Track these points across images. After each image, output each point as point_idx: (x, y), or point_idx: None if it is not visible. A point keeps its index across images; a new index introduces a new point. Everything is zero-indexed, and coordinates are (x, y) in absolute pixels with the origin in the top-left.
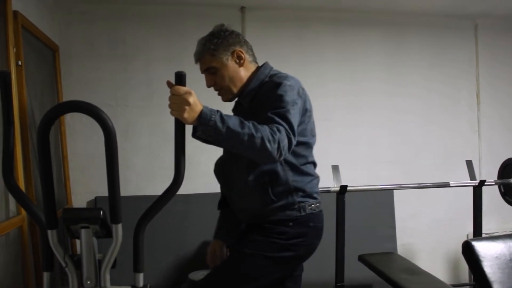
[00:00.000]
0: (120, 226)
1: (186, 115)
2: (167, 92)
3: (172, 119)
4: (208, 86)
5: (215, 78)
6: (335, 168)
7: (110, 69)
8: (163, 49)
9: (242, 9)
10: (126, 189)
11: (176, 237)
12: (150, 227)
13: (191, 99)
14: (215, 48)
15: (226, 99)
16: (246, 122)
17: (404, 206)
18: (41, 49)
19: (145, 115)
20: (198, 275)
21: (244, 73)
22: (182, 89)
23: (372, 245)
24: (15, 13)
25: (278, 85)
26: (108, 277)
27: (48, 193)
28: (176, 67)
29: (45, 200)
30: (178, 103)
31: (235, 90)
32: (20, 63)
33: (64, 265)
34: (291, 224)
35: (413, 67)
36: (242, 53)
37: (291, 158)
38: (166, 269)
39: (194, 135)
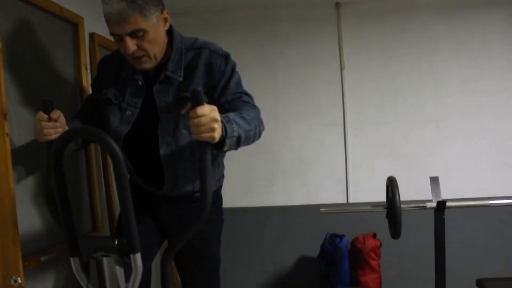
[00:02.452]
0: (138, 255)
1: (216, 134)
2: (261, 99)
3: (270, 127)
4: (129, 51)
5: (141, 43)
6: (434, 180)
7: None
8: (255, 56)
9: (337, 5)
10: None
11: (272, 251)
12: (244, 239)
13: (218, 115)
14: (146, 6)
15: (145, 67)
16: (244, 116)
17: None
18: None
19: None
20: None
21: (165, 38)
22: (207, 107)
23: (494, 268)
24: (92, 35)
25: (226, 59)
26: None
27: (67, 220)
28: (269, 73)
29: (65, 227)
30: (207, 124)
31: (159, 58)
32: None
33: None
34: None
35: None
36: (168, 14)
37: None
38: (261, 284)
39: (220, 150)
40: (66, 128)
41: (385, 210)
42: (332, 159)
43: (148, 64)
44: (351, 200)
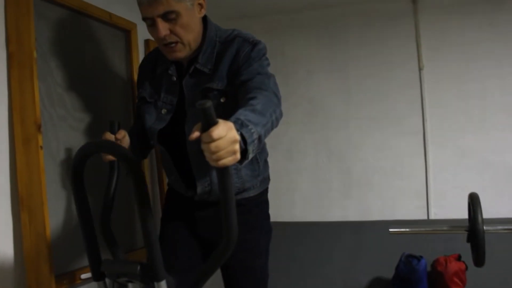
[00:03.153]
0: (163, 283)
1: (238, 154)
2: (331, 105)
3: (341, 136)
4: (161, 35)
5: (174, 27)
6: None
7: None
8: (324, 58)
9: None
10: (292, 213)
11: (343, 270)
12: (314, 256)
13: (236, 133)
14: None
15: (178, 56)
16: (256, 107)
17: None
18: None
19: (309, 133)
20: None
21: (200, 26)
22: (222, 127)
23: None
24: (147, 41)
25: (254, 45)
26: None
27: (89, 242)
28: (339, 77)
29: (87, 249)
30: (226, 147)
31: (193, 46)
32: None
33: None
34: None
35: None
36: (205, 1)
37: None
38: None
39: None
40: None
41: (466, 232)
42: (411, 170)
43: (182, 53)
44: (432, 217)
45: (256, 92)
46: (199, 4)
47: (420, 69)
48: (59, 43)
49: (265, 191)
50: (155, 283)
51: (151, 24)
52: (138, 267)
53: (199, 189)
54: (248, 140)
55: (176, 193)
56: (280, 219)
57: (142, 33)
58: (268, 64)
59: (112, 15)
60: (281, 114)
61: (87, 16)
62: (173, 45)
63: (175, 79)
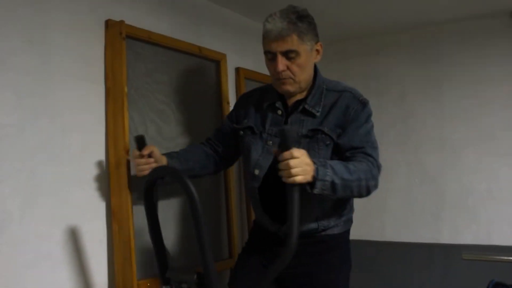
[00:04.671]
0: None
1: (309, 177)
2: (425, 125)
3: (435, 157)
4: (279, 70)
5: (291, 65)
6: None
7: None
8: (417, 79)
9: None
10: (383, 233)
11: None
12: (403, 278)
13: (309, 158)
14: (306, 31)
15: (287, 89)
16: (349, 165)
17: None
18: None
19: (402, 153)
20: None
21: (312, 70)
22: (299, 151)
23: None
24: (237, 69)
25: (364, 105)
26: None
27: (159, 252)
28: (434, 96)
29: (157, 258)
30: (298, 166)
31: (304, 86)
32: None
33: None
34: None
35: None
36: (321, 47)
37: None
38: None
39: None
40: (162, 161)
41: None
42: (509, 194)
43: (292, 87)
44: None
45: (361, 158)
46: (317, 50)
47: None
48: (152, 76)
49: (348, 232)
50: None
51: (271, 58)
52: (195, 276)
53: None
54: (320, 177)
55: (260, 228)
56: (370, 238)
57: (233, 61)
58: (372, 127)
59: (201, 48)
60: (375, 186)
61: (177, 51)
62: (285, 80)
63: (280, 113)
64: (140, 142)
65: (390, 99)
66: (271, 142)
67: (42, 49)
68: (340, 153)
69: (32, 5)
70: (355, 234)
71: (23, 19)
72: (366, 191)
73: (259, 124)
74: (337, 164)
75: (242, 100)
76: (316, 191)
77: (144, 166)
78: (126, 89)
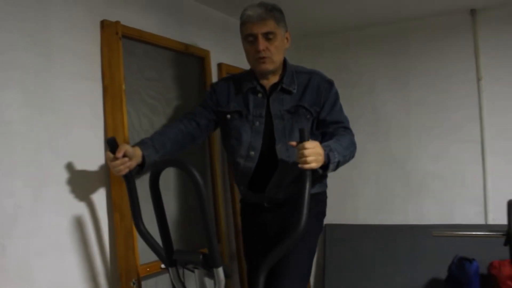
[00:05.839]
0: (220, 269)
1: (320, 163)
2: (392, 114)
3: (402, 144)
4: (260, 49)
5: (269, 45)
6: None
7: None
8: (386, 71)
9: (473, 11)
10: (355, 217)
11: (402, 270)
12: (375, 257)
13: (321, 148)
14: (280, 19)
15: (266, 68)
16: (341, 143)
17: None
18: None
19: (372, 141)
20: None
21: (284, 55)
22: (311, 142)
23: None
24: (219, 65)
25: (331, 85)
26: None
27: (164, 236)
28: (400, 88)
29: (163, 242)
30: (312, 155)
31: (278, 64)
32: None
33: None
34: None
35: None
36: (290, 36)
37: None
38: None
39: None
40: (136, 156)
41: (504, 236)
42: (469, 178)
43: (270, 66)
44: (490, 222)
45: (343, 132)
46: (287, 38)
47: (478, 80)
48: (143, 73)
49: (324, 193)
50: (214, 269)
51: (252, 41)
52: (201, 256)
53: (269, 189)
54: (331, 161)
55: (247, 208)
56: (345, 222)
57: (215, 58)
58: (341, 104)
59: (188, 46)
60: (355, 151)
61: (166, 49)
62: (265, 59)
63: (261, 95)
64: (112, 145)
65: (360, 90)
66: (257, 123)
67: (44, 49)
68: (323, 127)
69: (33, 5)
70: (329, 218)
71: (27, 20)
72: (351, 158)
73: (244, 107)
74: (337, 146)
75: (221, 85)
76: (328, 172)
77: (120, 167)
78: (124, 87)
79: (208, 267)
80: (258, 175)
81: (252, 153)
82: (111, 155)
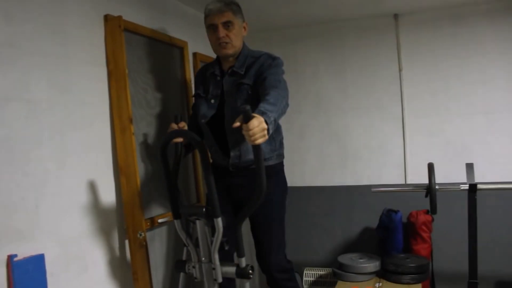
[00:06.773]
0: (219, 219)
1: (267, 137)
2: (332, 97)
3: (339, 121)
4: (220, 36)
5: (229, 32)
6: (469, 166)
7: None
8: (326, 62)
9: (395, 16)
10: (303, 180)
11: (341, 222)
12: (320, 212)
13: (265, 123)
14: (237, 11)
15: (227, 52)
16: (271, 101)
17: None
18: None
19: (315, 119)
20: (345, 258)
21: (242, 42)
22: (255, 121)
23: None
24: (195, 54)
25: (274, 59)
26: (216, 256)
27: (172, 193)
28: (338, 76)
29: (170, 199)
30: (259, 133)
31: (237, 49)
32: None
33: (186, 244)
34: None
35: None
36: (247, 26)
37: None
38: (332, 248)
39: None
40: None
41: (425, 190)
42: (393, 147)
43: (230, 50)
44: (408, 182)
45: (270, 89)
46: (244, 27)
47: (400, 70)
48: (140, 61)
49: (281, 163)
50: (214, 219)
51: (214, 30)
52: (204, 209)
53: (232, 154)
54: (269, 122)
55: (215, 172)
56: (294, 185)
57: (192, 48)
58: (283, 72)
59: (171, 37)
60: (287, 105)
61: (155, 40)
62: (225, 44)
63: (219, 78)
64: (177, 118)
65: (306, 77)
66: (213, 100)
67: (61, 39)
68: (261, 91)
69: (54, 1)
70: None
71: (48, 14)
72: (285, 110)
73: (205, 89)
74: (267, 106)
75: (197, 74)
76: (270, 132)
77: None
78: (127, 71)
79: (209, 217)
80: (220, 143)
81: (203, 120)
82: (175, 125)
